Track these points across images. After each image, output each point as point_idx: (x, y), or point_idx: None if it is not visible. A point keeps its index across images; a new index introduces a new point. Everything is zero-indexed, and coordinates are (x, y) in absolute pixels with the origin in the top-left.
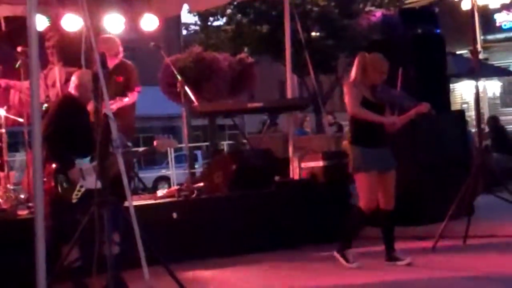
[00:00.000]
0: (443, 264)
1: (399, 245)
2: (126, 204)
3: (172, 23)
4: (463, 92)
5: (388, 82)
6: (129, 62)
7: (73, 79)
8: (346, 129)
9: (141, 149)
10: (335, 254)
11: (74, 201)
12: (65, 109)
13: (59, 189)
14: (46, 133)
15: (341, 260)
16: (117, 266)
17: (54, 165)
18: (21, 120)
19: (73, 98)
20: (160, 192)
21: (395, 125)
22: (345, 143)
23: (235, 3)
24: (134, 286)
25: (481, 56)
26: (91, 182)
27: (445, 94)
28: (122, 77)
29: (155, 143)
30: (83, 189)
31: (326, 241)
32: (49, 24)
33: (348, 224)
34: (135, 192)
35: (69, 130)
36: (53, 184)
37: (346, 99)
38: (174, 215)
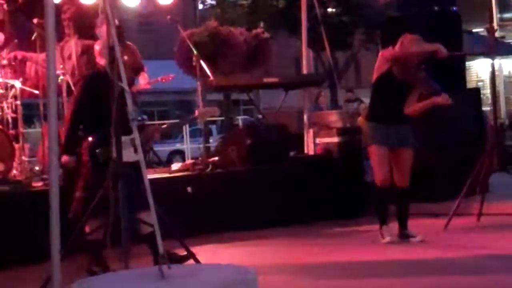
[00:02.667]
0: (456, 242)
1: (412, 222)
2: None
3: None
4: (478, 70)
5: None
6: (129, 42)
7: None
8: (362, 105)
9: (175, 121)
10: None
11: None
12: (93, 82)
13: (96, 161)
14: (75, 107)
15: (380, 237)
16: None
17: (90, 138)
18: (36, 92)
19: (97, 71)
20: (174, 166)
21: (441, 52)
22: (360, 119)
23: None
24: (149, 259)
25: (497, 34)
26: (128, 155)
27: (461, 72)
28: (127, 56)
29: (196, 112)
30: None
31: (340, 217)
32: None
33: (375, 205)
34: (149, 165)
35: (99, 103)
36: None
37: (387, 54)
38: (189, 189)
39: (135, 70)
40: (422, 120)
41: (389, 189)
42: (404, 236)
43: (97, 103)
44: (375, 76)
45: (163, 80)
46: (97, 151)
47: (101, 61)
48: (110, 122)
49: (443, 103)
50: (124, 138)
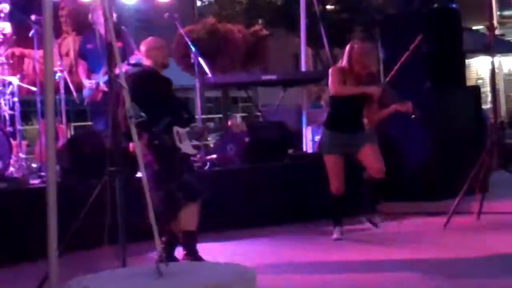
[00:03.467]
0: (455, 241)
1: (411, 220)
2: (139, 174)
3: None
4: (478, 67)
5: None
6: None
7: (143, 51)
8: None
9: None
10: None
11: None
12: (140, 82)
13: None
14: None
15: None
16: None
17: (146, 135)
18: (34, 89)
19: (147, 70)
20: None
21: (374, 95)
22: None
23: None
24: (146, 257)
25: (497, 31)
26: (187, 147)
27: (460, 69)
28: (120, 42)
29: (229, 122)
30: (180, 151)
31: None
32: None
33: (330, 209)
34: None
35: (149, 102)
36: (151, 155)
37: (330, 80)
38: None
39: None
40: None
41: (342, 198)
42: (370, 221)
43: (149, 100)
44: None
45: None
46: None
47: (147, 61)
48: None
49: (405, 111)
50: (181, 130)
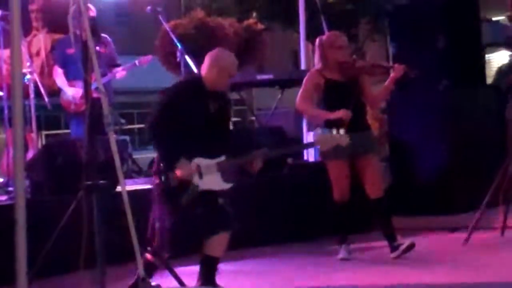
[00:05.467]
0: (476, 260)
1: (427, 237)
2: (119, 189)
3: None
4: (500, 63)
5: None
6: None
7: (207, 59)
8: None
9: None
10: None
11: (184, 203)
12: (188, 92)
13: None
14: (153, 118)
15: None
16: None
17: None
18: (0, 93)
19: (201, 80)
20: None
21: (344, 118)
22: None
23: None
24: (127, 281)
25: None
26: (212, 181)
27: (480, 65)
28: (104, 49)
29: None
30: (197, 190)
31: None
32: None
33: (335, 223)
34: (128, 175)
35: (183, 120)
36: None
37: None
38: None
39: (109, 64)
40: (436, 120)
41: (347, 206)
42: (395, 248)
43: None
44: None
45: (141, 64)
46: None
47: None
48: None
49: (400, 73)
50: (205, 162)
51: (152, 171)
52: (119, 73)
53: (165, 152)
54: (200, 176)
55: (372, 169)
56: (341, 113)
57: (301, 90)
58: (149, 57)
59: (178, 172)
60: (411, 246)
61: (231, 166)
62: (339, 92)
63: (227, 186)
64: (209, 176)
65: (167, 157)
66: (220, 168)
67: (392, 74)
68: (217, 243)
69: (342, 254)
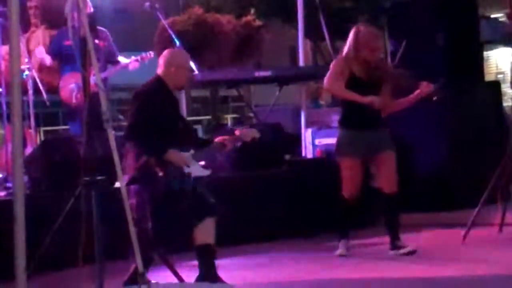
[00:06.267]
0: (474, 256)
1: (426, 233)
2: (117, 185)
3: None
4: (498, 60)
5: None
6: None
7: (162, 60)
8: None
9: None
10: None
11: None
12: (157, 94)
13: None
14: (134, 120)
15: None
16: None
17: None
18: None
19: (163, 81)
20: None
21: (373, 105)
22: None
23: None
24: (126, 276)
25: None
26: (196, 169)
27: (478, 63)
28: (102, 42)
29: (237, 132)
30: (190, 178)
31: None
32: None
33: (337, 218)
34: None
35: (159, 119)
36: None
37: (328, 72)
38: None
39: (108, 59)
40: (435, 118)
41: (354, 206)
42: (396, 247)
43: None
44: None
45: (143, 60)
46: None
47: (164, 76)
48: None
49: (427, 92)
50: (186, 154)
51: (141, 174)
52: (132, 63)
53: (153, 147)
54: (187, 164)
55: (389, 165)
56: (374, 99)
57: (329, 72)
58: (151, 53)
59: (174, 159)
60: (411, 253)
61: (204, 155)
62: (361, 90)
63: (207, 172)
64: (192, 165)
65: (156, 151)
66: (196, 158)
67: (418, 91)
68: (205, 229)
69: (340, 250)
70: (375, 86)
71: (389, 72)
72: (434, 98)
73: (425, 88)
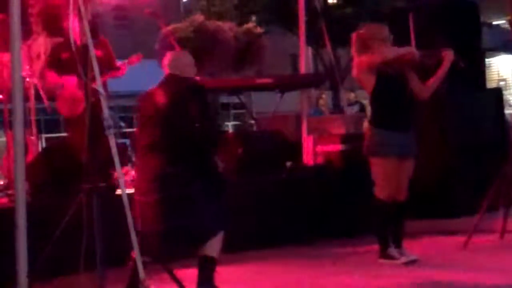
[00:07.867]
0: (476, 263)
1: (427, 240)
2: (119, 191)
3: None
4: (500, 67)
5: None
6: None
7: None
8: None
9: None
10: (380, 261)
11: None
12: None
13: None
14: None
15: (388, 262)
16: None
17: None
18: (0, 96)
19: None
20: None
21: (413, 54)
22: (366, 125)
23: None
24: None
25: None
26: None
27: (480, 70)
28: (100, 51)
29: None
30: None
31: (344, 235)
32: None
33: (376, 223)
34: None
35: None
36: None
37: (366, 59)
38: None
39: (107, 67)
40: (437, 124)
41: (392, 205)
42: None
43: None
44: (369, 86)
45: (131, 63)
46: None
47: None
48: None
49: (451, 60)
50: None
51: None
52: (122, 70)
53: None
54: None
55: (408, 174)
56: (409, 49)
57: (370, 57)
58: (139, 55)
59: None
60: (411, 262)
61: None
62: (390, 86)
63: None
64: None
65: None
66: None
67: (444, 62)
68: (216, 242)
69: (402, 257)
70: (401, 77)
71: (409, 59)
72: (462, 65)
73: (449, 56)
